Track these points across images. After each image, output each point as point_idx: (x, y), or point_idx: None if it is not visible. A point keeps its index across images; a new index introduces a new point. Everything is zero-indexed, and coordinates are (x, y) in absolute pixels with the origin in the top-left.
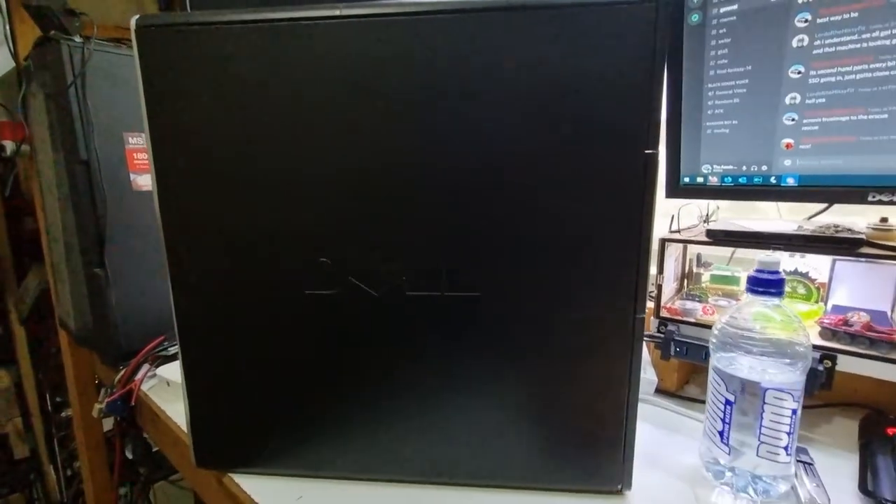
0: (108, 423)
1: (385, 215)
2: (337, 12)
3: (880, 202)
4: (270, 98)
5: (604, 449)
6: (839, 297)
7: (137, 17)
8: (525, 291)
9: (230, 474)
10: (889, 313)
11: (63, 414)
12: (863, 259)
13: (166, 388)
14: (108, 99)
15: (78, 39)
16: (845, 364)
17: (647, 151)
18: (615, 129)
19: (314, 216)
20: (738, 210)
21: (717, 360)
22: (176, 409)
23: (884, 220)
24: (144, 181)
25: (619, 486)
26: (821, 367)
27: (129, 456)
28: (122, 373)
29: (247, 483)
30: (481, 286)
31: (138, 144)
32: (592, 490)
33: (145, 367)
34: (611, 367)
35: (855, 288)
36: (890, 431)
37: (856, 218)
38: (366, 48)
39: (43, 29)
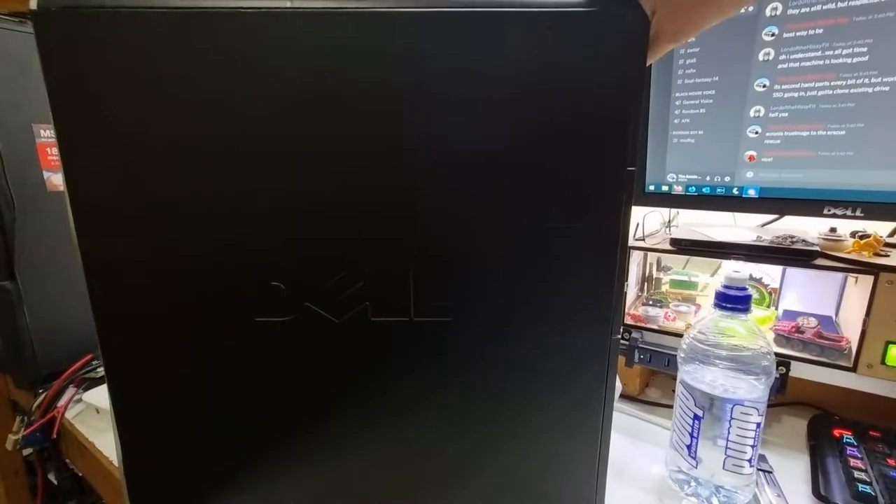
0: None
1: (347, 232)
2: (287, 4)
3: (834, 215)
4: (206, 96)
5: (577, 479)
6: (789, 301)
7: None
8: (497, 315)
9: None
10: (834, 318)
11: None
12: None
13: (95, 416)
14: (13, 85)
15: None
16: (797, 369)
17: (628, 168)
18: (595, 142)
19: (265, 234)
20: (697, 213)
21: (684, 374)
22: (107, 441)
23: (833, 230)
24: (61, 180)
25: None
26: (777, 374)
27: (55, 481)
28: (41, 398)
29: None
30: (453, 311)
31: (52, 138)
32: None
33: (70, 390)
34: (586, 392)
35: (803, 293)
36: (836, 433)
37: (806, 225)
38: (322, 45)
39: None
